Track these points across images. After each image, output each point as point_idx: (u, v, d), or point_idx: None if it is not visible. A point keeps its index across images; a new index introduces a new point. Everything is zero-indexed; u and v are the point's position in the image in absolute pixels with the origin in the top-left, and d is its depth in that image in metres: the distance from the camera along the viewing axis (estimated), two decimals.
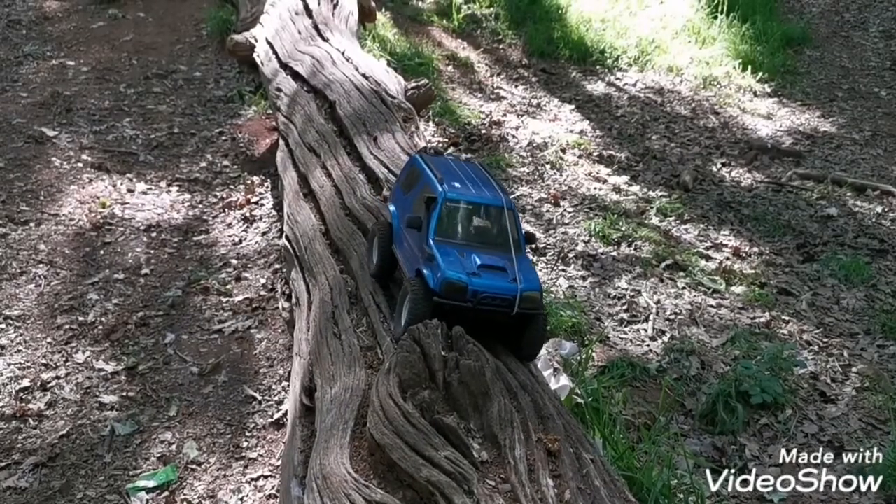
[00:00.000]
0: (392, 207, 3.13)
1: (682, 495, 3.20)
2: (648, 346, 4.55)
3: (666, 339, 4.62)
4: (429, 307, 2.65)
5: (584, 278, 5.16)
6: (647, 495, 2.93)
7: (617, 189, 6.59)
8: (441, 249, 2.70)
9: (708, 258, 5.61)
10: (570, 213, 6.02)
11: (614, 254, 5.50)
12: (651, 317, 4.80)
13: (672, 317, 4.83)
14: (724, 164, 7.29)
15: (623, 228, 5.80)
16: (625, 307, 4.88)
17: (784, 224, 6.19)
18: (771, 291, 5.22)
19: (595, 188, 6.55)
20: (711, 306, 5.00)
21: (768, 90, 8.88)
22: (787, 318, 4.92)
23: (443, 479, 2.17)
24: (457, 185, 2.87)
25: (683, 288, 5.16)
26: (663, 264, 5.40)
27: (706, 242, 5.84)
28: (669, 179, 6.86)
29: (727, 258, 5.64)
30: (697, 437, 3.87)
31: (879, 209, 6.58)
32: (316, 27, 6.38)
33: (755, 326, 4.81)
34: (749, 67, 8.98)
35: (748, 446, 3.81)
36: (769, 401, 4.00)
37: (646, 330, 4.68)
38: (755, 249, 5.80)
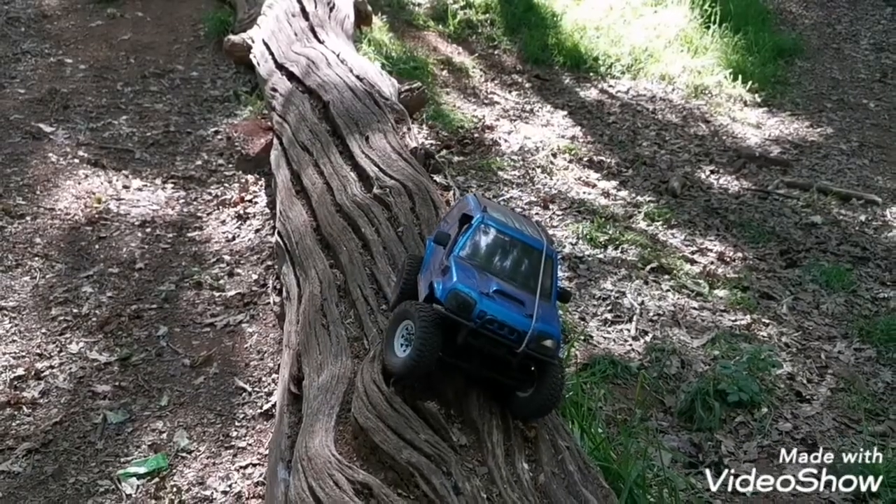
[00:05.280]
0: (430, 239, 2.92)
1: (656, 487, 3.29)
2: (631, 345, 4.65)
3: (648, 339, 4.71)
4: (439, 326, 2.41)
5: (570, 279, 5.26)
6: (623, 485, 3.02)
7: (606, 194, 6.69)
8: (459, 266, 2.50)
9: (693, 262, 5.71)
10: (558, 216, 6.12)
11: (601, 256, 5.60)
12: (634, 317, 4.89)
13: (655, 318, 4.92)
14: (712, 172, 7.40)
15: (610, 232, 5.90)
16: (609, 308, 4.98)
17: (769, 231, 6.30)
18: (753, 295, 5.32)
19: (584, 192, 6.65)
20: (694, 308, 5.10)
21: (758, 100, 8.99)
22: (767, 322, 5.02)
23: (422, 461, 2.27)
24: (499, 217, 2.68)
25: (667, 290, 5.26)
26: (648, 267, 5.49)
27: (692, 247, 5.95)
28: (658, 185, 6.96)
29: (712, 262, 5.74)
30: (675, 434, 3.96)
31: (863, 218, 6.69)
32: (312, 29, 6.48)
33: (736, 328, 4.91)
34: (740, 77, 9.10)
35: (724, 443, 3.90)
36: (746, 399, 4.09)
37: (629, 330, 4.78)
38: (739, 255, 5.91)
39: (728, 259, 5.81)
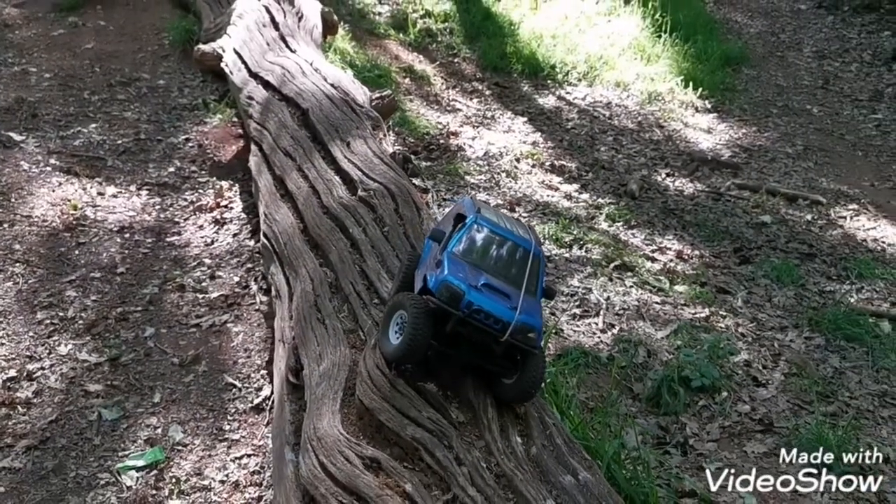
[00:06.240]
0: (428, 238, 3.07)
1: (630, 463, 3.56)
2: (599, 337, 4.92)
3: (615, 331, 4.99)
4: (432, 314, 2.63)
5: None
6: (601, 461, 3.27)
7: (568, 196, 6.97)
8: (451, 261, 2.71)
9: (653, 260, 6.01)
10: (525, 217, 6.37)
11: (567, 255, 5.87)
12: (601, 312, 5.16)
13: (621, 312, 5.20)
14: (667, 175, 7.74)
15: (574, 232, 6.18)
16: (577, 303, 5.24)
17: (722, 230, 6.65)
18: (710, 290, 5.64)
19: (548, 195, 6.92)
20: (656, 303, 5.39)
21: (709, 106, 9.39)
22: (724, 314, 5.34)
23: (426, 436, 2.49)
24: (491, 217, 2.87)
25: (631, 286, 5.55)
26: (612, 265, 5.77)
27: (651, 246, 6.26)
28: (617, 188, 7.27)
29: (671, 260, 6.05)
30: (644, 418, 4.24)
31: (809, 217, 7.08)
32: (283, 38, 6.65)
33: (696, 321, 5.21)
34: (691, 84, 9.48)
35: (689, 425, 4.19)
36: (707, 384, 4.39)
37: (597, 323, 5.05)
38: (696, 252, 6.24)
39: (686, 257, 6.14)
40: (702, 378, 4.39)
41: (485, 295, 2.63)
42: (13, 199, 5.81)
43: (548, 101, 9.16)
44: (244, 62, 6.35)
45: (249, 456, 3.76)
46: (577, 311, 5.17)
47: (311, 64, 5.92)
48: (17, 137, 6.66)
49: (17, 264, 5.13)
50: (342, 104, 5.16)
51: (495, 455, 2.49)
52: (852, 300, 5.71)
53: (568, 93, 9.42)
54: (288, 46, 6.47)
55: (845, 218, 7.13)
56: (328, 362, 2.99)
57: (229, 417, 4.02)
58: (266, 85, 5.83)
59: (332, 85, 5.51)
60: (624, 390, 4.45)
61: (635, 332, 4.98)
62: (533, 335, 2.66)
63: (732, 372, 4.66)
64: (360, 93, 5.63)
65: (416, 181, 4.42)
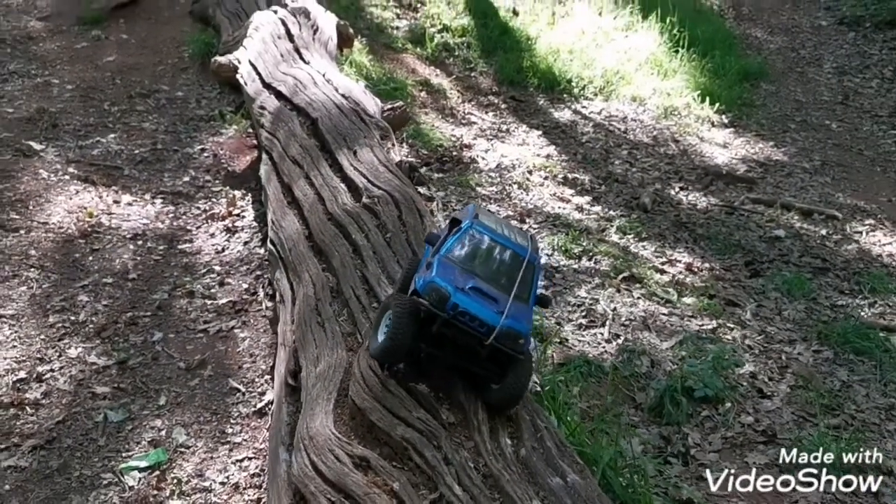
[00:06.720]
0: (426, 243, 3.11)
1: (627, 472, 3.55)
2: (604, 347, 4.91)
3: (620, 341, 4.98)
4: (416, 314, 2.65)
5: (546, 288, 5.52)
6: (596, 468, 3.27)
7: (580, 209, 6.98)
8: (442, 263, 2.72)
9: (662, 272, 6.00)
10: (535, 228, 6.39)
11: (575, 266, 5.87)
12: (607, 322, 5.15)
13: (627, 323, 5.19)
14: (681, 189, 7.73)
15: (584, 244, 6.19)
16: (584, 314, 5.25)
17: (735, 243, 6.62)
18: (719, 302, 5.61)
19: (559, 207, 6.94)
20: (663, 314, 5.38)
21: (725, 121, 9.37)
22: (732, 326, 5.32)
23: (415, 436, 2.51)
24: (489, 223, 2.87)
25: (638, 298, 5.54)
26: (620, 276, 5.77)
27: (661, 258, 6.24)
28: (630, 201, 7.27)
29: (680, 272, 6.03)
30: (646, 428, 4.22)
31: (824, 232, 7.03)
32: (297, 50, 6.74)
33: (702, 332, 5.18)
34: (708, 99, 9.48)
35: (691, 435, 4.16)
36: (711, 395, 4.37)
37: (602, 333, 5.04)
38: (706, 265, 6.22)
39: (696, 269, 6.12)
40: (705, 388, 4.37)
41: (471, 298, 2.63)
42: (31, 207, 5.92)
43: (563, 114, 9.20)
44: (258, 73, 6.44)
45: (250, 459, 3.79)
46: (584, 321, 5.17)
47: (323, 75, 5.99)
48: (37, 147, 6.79)
49: (32, 269, 5.22)
50: (351, 114, 5.22)
51: (483, 456, 2.50)
52: (864, 314, 5.66)
53: (584, 107, 9.45)
54: (302, 58, 6.55)
55: (861, 233, 7.08)
56: (325, 364, 3.03)
57: (232, 421, 4.05)
58: (278, 95, 5.91)
59: (343, 95, 5.58)
60: (626, 399, 4.44)
61: (640, 342, 4.97)
62: (520, 341, 2.67)
63: (737, 383, 4.63)
64: (372, 103, 5.70)
65: (422, 190, 4.45)
